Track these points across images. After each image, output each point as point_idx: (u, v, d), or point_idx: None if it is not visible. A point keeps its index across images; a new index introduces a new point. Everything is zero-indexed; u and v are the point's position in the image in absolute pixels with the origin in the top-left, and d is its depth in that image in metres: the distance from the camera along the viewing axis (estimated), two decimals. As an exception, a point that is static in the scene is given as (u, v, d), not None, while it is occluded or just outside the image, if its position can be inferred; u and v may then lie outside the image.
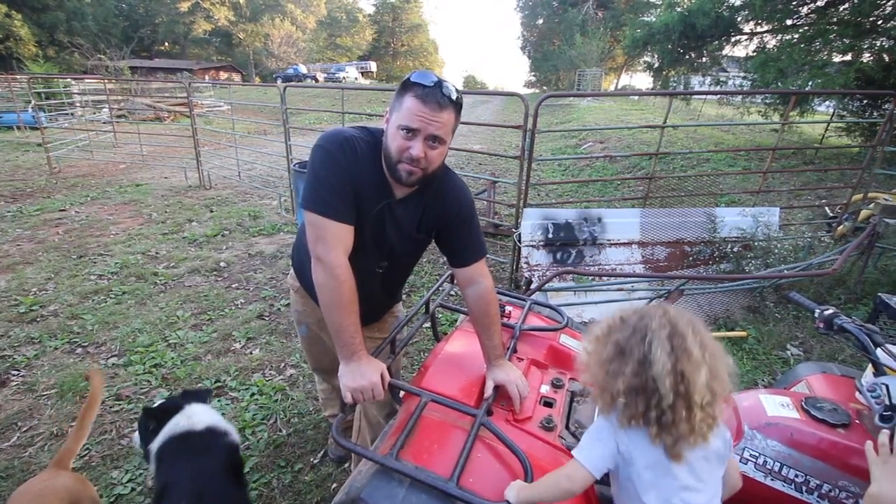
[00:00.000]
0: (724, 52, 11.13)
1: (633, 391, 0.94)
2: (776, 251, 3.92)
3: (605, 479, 1.37)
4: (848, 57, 7.95)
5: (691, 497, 0.96)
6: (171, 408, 1.65)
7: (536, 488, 1.03)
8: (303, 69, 37.41)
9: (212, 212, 6.22)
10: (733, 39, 10.43)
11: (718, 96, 15.84)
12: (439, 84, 1.24)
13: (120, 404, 2.60)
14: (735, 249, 4.09)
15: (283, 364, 3.03)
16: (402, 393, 1.48)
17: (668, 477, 0.96)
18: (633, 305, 1.06)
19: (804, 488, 1.21)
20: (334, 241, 1.28)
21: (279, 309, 3.72)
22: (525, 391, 1.36)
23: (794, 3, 8.57)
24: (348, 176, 1.31)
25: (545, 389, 1.46)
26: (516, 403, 1.34)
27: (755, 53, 9.70)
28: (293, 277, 1.77)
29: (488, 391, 1.35)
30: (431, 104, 1.24)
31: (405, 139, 1.26)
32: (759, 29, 9.84)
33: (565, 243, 4.09)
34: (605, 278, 3.91)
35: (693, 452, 0.95)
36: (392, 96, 1.31)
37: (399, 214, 1.42)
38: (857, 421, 1.24)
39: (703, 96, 16.36)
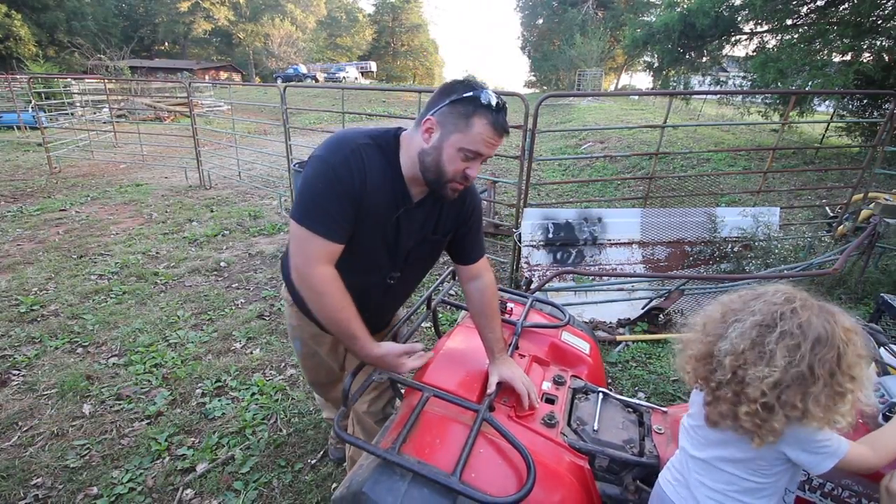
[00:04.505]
0: (724, 52, 11.12)
1: (706, 355, 0.99)
2: (776, 251, 3.92)
3: (607, 477, 1.37)
4: (848, 57, 7.96)
5: (691, 448, 1.07)
6: None
7: None
8: (303, 69, 37.37)
9: (212, 212, 6.21)
10: (733, 39, 10.43)
11: (718, 96, 15.85)
12: (501, 108, 1.18)
13: (120, 404, 2.59)
14: (735, 249, 4.09)
15: (283, 364, 3.03)
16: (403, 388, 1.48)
17: (698, 440, 1.07)
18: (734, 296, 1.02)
19: (807, 487, 1.21)
20: (318, 256, 1.20)
21: (279, 309, 3.72)
22: (531, 388, 1.36)
23: (794, 2, 8.58)
24: (351, 194, 1.19)
25: (547, 386, 1.47)
26: (525, 401, 1.33)
27: (755, 53, 9.70)
28: (285, 289, 1.65)
29: (491, 387, 1.34)
30: (500, 131, 1.18)
31: (464, 161, 1.20)
32: (758, 29, 9.85)
33: (565, 243, 4.09)
34: (605, 278, 3.91)
35: (730, 434, 0.97)
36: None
37: (415, 218, 1.35)
38: (860, 420, 1.24)
39: (703, 96, 16.36)
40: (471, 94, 1.16)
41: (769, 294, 0.94)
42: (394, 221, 1.30)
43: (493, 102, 1.16)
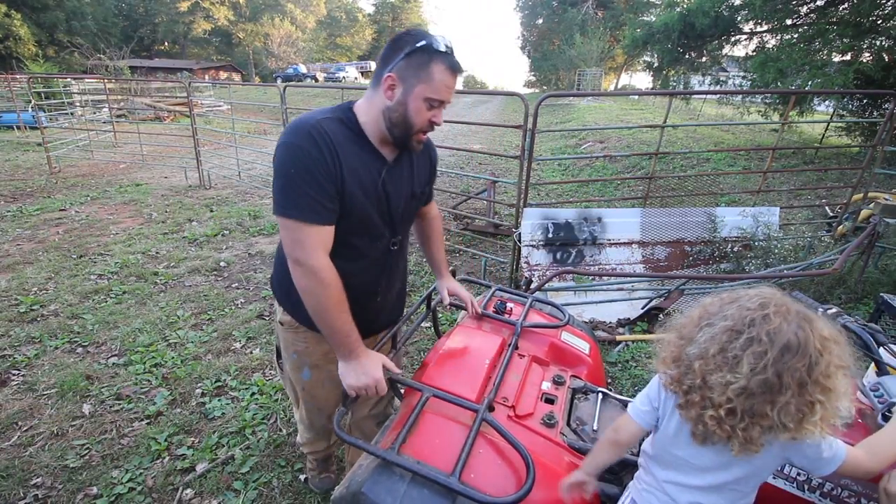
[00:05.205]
0: (723, 52, 11.12)
1: (677, 358, 0.96)
2: (776, 251, 3.92)
3: (606, 477, 1.37)
4: (847, 57, 7.95)
5: (681, 477, 1.02)
6: None
7: (593, 454, 1.15)
8: (303, 69, 37.37)
9: (212, 211, 6.21)
10: (733, 39, 10.42)
11: (718, 96, 15.85)
12: (453, 50, 1.21)
13: (120, 404, 2.59)
14: (735, 249, 4.09)
15: (283, 363, 3.03)
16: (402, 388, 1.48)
17: (673, 448, 1.02)
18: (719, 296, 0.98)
19: (806, 487, 1.21)
20: (313, 243, 1.19)
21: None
22: (473, 299, 1.65)
23: (793, 2, 8.57)
24: (326, 169, 1.18)
25: (546, 386, 1.46)
26: (469, 307, 1.63)
27: (755, 53, 9.69)
28: (283, 313, 1.50)
29: (444, 298, 1.66)
30: (457, 73, 1.21)
31: (430, 110, 1.23)
32: (758, 28, 9.84)
33: (565, 243, 4.09)
34: (605, 278, 3.91)
35: (725, 453, 0.94)
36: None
37: (397, 177, 1.36)
38: (859, 420, 1.24)
39: (703, 96, 16.36)
40: (423, 43, 1.17)
41: (745, 299, 0.91)
42: (381, 187, 1.30)
43: (444, 47, 1.18)
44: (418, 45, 1.17)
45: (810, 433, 0.86)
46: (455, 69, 1.20)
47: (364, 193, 1.27)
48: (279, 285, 1.49)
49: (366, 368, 1.26)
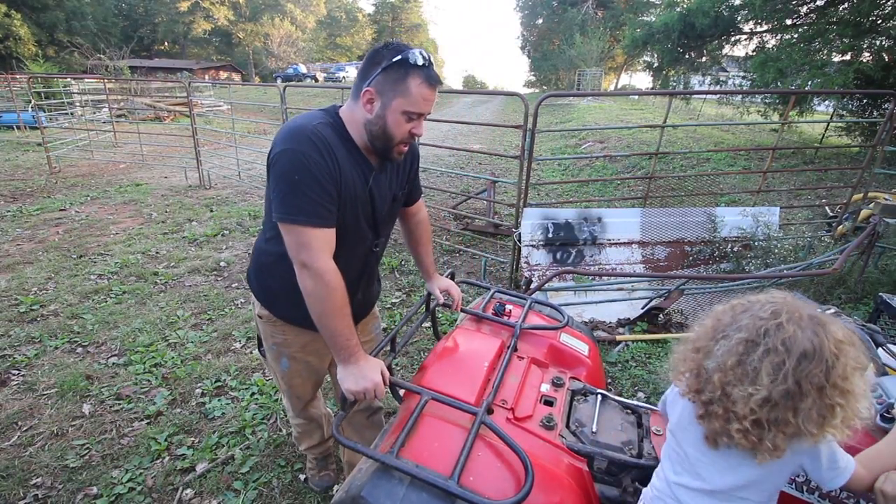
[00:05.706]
0: (723, 52, 11.13)
1: (694, 371, 0.97)
2: (776, 251, 3.92)
3: (605, 479, 1.37)
4: (847, 57, 7.95)
5: (691, 481, 1.02)
6: None
7: None
8: (302, 69, 37.34)
9: (212, 211, 6.22)
10: (733, 39, 10.43)
11: (718, 96, 15.84)
12: (430, 63, 1.23)
13: (120, 404, 2.59)
14: (735, 249, 4.09)
15: (283, 364, 3.03)
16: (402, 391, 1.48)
17: (685, 444, 1.04)
18: (749, 296, 0.98)
19: (805, 488, 1.21)
20: (319, 246, 1.21)
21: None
22: (459, 297, 1.71)
23: (793, 2, 8.58)
24: (328, 174, 1.21)
25: (546, 388, 1.47)
26: (457, 303, 1.70)
27: (755, 53, 9.70)
28: (261, 307, 1.55)
29: (437, 296, 1.69)
30: (434, 85, 1.23)
31: (409, 122, 1.25)
32: (758, 28, 9.84)
33: (565, 243, 4.09)
34: (605, 278, 3.91)
35: (737, 457, 0.95)
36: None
37: (382, 183, 1.41)
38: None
39: (703, 96, 16.35)
40: (399, 57, 1.19)
41: (757, 307, 0.92)
42: (367, 193, 1.35)
43: (422, 60, 1.20)
44: (395, 59, 1.19)
45: (831, 436, 0.87)
46: (432, 82, 1.22)
47: (355, 198, 1.31)
48: (257, 281, 1.55)
49: (365, 373, 1.27)
